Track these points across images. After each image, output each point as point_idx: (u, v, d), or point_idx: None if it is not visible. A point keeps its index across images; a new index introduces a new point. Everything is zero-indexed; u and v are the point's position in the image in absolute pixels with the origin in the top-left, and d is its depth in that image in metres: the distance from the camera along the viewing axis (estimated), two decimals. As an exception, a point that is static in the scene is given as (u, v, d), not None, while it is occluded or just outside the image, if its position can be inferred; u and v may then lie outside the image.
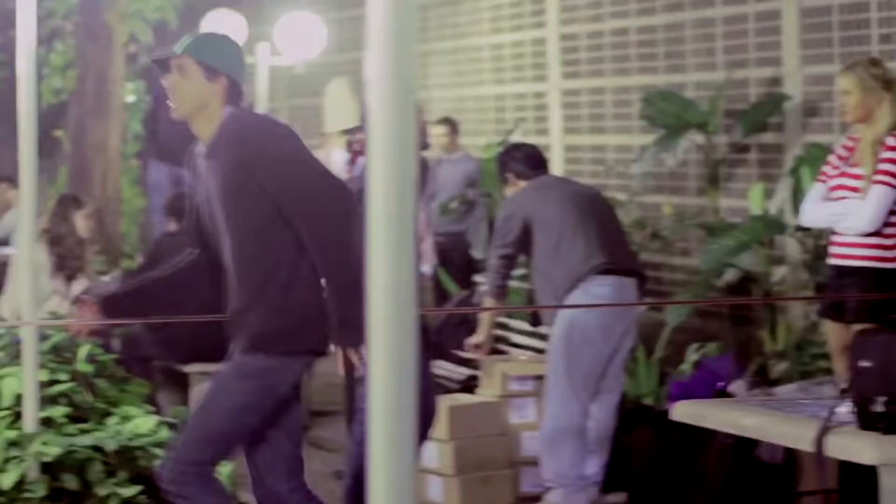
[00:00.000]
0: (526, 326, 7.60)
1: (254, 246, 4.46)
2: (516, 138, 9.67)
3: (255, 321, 4.46)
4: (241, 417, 4.52)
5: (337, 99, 6.70)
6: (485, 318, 6.92)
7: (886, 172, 5.52)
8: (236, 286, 4.53)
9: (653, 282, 7.99)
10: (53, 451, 5.56)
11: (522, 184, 6.69)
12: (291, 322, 4.47)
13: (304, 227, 4.39)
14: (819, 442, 4.88)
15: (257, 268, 4.47)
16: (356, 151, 6.74)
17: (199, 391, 8.17)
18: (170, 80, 4.59)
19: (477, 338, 6.90)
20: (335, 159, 7.07)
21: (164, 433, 5.98)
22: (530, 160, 6.79)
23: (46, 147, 13.10)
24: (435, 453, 6.71)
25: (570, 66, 10.25)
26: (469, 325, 7.26)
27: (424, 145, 6.07)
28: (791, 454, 5.92)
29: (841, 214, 5.62)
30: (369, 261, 2.43)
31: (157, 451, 5.85)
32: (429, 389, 5.75)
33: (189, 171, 4.76)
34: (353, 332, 4.30)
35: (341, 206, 4.37)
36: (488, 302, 6.79)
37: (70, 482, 5.58)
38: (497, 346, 7.40)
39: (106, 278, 9.83)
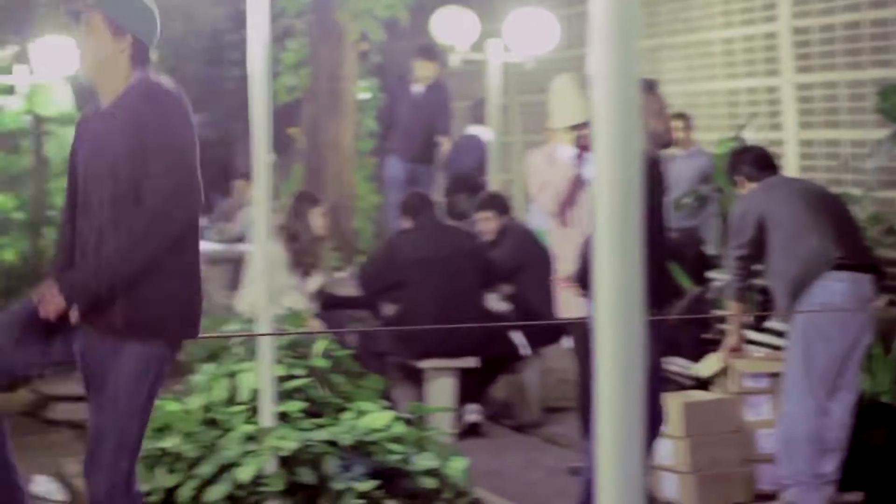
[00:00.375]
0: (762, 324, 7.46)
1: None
2: (749, 133, 9.48)
3: (126, 307, 4.33)
4: (147, 411, 4.48)
5: (563, 95, 6.65)
6: (733, 322, 6.83)
7: None
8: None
9: (889, 277, 7.72)
10: (290, 445, 5.66)
11: (752, 186, 6.60)
12: (162, 311, 4.38)
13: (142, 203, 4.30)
14: None
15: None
16: (583, 147, 6.71)
17: (434, 387, 8.26)
18: (78, 34, 4.52)
19: (730, 342, 6.82)
20: (561, 155, 7.02)
21: (399, 428, 6.04)
22: (759, 162, 6.70)
23: (281, 145, 13.41)
24: (670, 450, 6.62)
25: (802, 60, 10.00)
26: (703, 321, 7.16)
27: (668, 142, 5.98)
28: None
29: None
30: (595, 256, 2.40)
31: (393, 446, 5.91)
32: (658, 386, 5.68)
33: (77, 130, 4.63)
34: (75, 283, 4.29)
35: (170, 205, 4.27)
36: (731, 305, 6.71)
37: (306, 476, 5.66)
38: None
39: (341, 274, 10.02)
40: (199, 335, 4.55)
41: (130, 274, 4.25)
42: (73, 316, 4.29)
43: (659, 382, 5.70)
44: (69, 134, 11.05)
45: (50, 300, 4.30)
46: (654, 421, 5.54)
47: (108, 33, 4.41)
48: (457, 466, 6.03)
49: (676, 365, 7.50)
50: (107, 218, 4.30)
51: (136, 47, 4.44)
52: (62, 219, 4.66)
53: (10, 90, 10.91)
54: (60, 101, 11.16)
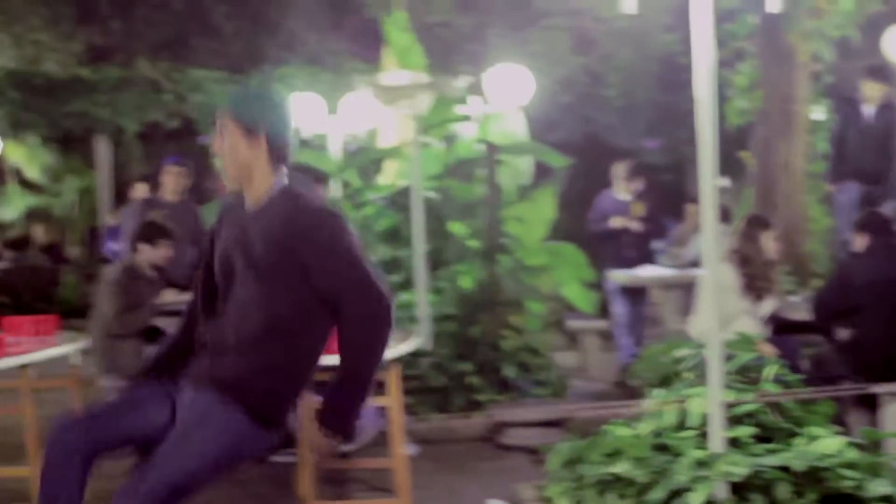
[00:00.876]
0: None
1: (280, 306, 4.37)
2: None
3: (235, 366, 4.35)
4: (210, 475, 4.32)
5: None
6: None
7: None
8: (234, 325, 4.40)
9: None
10: (741, 471, 5.55)
11: None
12: (269, 386, 4.36)
13: (339, 319, 4.34)
14: None
15: (270, 321, 4.37)
16: None
17: (889, 411, 7.90)
18: (217, 139, 4.51)
19: None
20: None
21: (852, 454, 5.81)
22: None
23: (733, 168, 13.24)
24: None
25: None
26: None
27: None
28: None
29: None
30: None
31: (846, 471, 5.70)
32: None
33: (220, 213, 4.64)
34: (339, 418, 4.30)
35: (373, 308, 4.30)
36: None
37: (757, 502, 5.54)
38: None
39: (794, 298, 9.76)
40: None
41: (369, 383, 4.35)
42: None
43: None
44: (521, 163, 11.38)
45: (325, 446, 4.34)
46: None
47: (242, 136, 4.47)
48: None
49: None
50: (253, 300, 4.38)
51: (272, 147, 4.47)
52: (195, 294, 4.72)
53: (465, 119, 11.30)
54: (512, 130, 11.47)
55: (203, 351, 4.47)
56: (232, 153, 4.46)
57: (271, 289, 4.35)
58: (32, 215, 24.00)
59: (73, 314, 18.01)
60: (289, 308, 4.36)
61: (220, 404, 4.29)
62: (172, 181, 10.23)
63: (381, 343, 4.34)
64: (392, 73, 13.23)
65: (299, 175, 4.71)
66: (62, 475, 4.22)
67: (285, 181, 4.50)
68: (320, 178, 9.93)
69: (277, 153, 4.47)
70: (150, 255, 9.00)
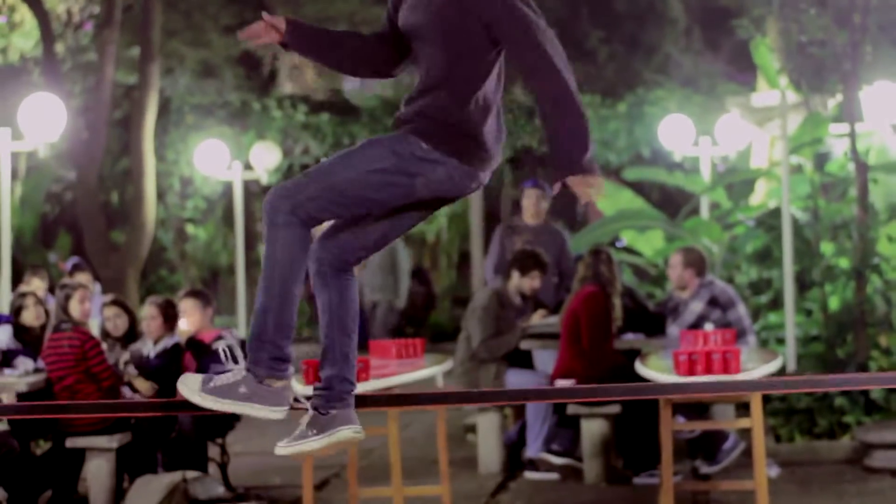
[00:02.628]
0: None
1: (461, 59, 4.24)
2: None
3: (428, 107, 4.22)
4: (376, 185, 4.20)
5: None
6: None
7: None
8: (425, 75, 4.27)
9: None
10: None
11: None
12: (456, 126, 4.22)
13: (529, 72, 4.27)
14: None
15: (454, 70, 4.24)
16: None
17: None
18: None
19: None
20: None
21: None
22: None
23: None
24: None
25: None
26: None
27: None
28: None
29: None
30: None
31: None
32: None
33: None
34: (566, 160, 4.13)
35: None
36: None
37: None
38: None
39: None
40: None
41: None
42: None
43: None
44: (894, 181, 11.04)
45: (586, 181, 4.18)
46: None
47: None
48: None
49: None
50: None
51: None
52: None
53: (836, 138, 11.09)
54: (886, 148, 11.17)
55: None
56: None
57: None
58: (403, 241, 24.86)
59: (444, 338, 18.64)
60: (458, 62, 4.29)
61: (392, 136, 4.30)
62: (531, 205, 10.37)
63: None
64: (763, 94, 13.11)
65: None
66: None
67: None
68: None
69: None
70: (520, 283, 9.23)
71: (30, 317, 8.60)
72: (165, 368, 8.36)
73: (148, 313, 8.57)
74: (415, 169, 4.21)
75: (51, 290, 11.48)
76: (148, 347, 8.52)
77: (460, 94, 4.26)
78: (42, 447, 8.74)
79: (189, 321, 8.57)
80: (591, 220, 15.20)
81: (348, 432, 4.16)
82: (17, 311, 8.64)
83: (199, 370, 8.28)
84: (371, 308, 16.63)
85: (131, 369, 8.37)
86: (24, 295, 8.82)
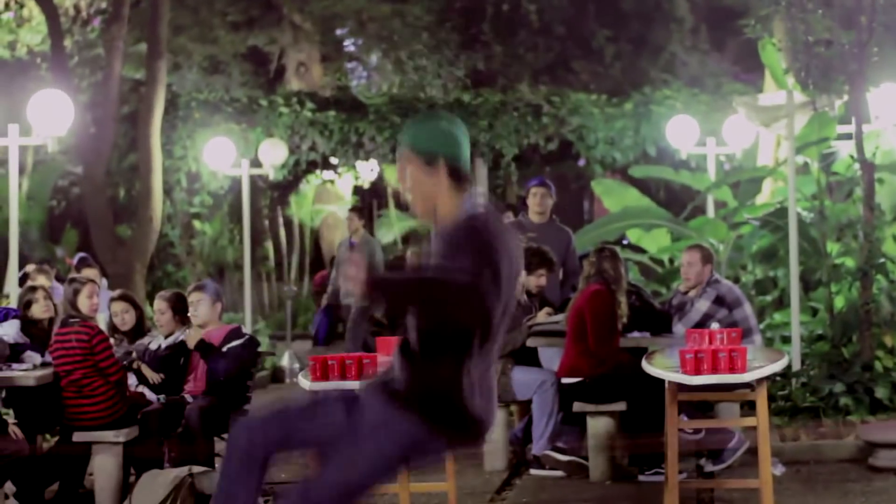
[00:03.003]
0: None
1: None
2: None
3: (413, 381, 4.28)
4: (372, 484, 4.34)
5: None
6: None
7: None
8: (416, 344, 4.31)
9: None
10: None
11: None
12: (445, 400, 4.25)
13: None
14: None
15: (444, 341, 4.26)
16: None
17: None
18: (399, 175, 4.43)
19: None
20: None
21: None
22: None
23: None
24: None
25: None
26: None
27: None
28: None
29: None
30: None
31: None
32: None
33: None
34: (385, 288, 4.16)
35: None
36: None
37: None
38: None
39: None
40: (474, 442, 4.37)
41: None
42: None
43: None
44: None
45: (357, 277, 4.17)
46: None
47: (421, 165, 4.41)
48: None
49: None
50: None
51: (452, 171, 4.40)
52: None
53: (842, 138, 11.10)
54: (893, 149, 11.18)
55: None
56: (415, 186, 4.45)
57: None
58: (409, 238, 24.89)
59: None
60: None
61: (392, 410, 4.30)
62: (536, 202, 10.40)
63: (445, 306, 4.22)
64: (769, 94, 13.12)
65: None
66: (243, 477, 4.40)
67: (475, 207, 4.40)
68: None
69: (458, 178, 4.42)
70: (526, 281, 9.24)
71: (38, 310, 8.63)
72: (173, 359, 8.41)
73: (157, 307, 8.61)
74: None
75: (59, 280, 11.53)
76: (158, 341, 8.55)
77: None
78: (49, 441, 8.77)
79: (198, 314, 8.59)
80: (597, 218, 15.21)
81: None
82: (26, 304, 8.67)
83: (208, 370, 8.34)
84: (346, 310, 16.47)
85: (136, 355, 8.44)
86: (33, 289, 8.84)
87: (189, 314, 8.60)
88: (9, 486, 7.94)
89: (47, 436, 8.86)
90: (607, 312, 8.65)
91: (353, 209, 15.32)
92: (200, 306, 8.56)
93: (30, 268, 11.37)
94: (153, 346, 8.54)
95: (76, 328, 8.12)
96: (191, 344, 8.45)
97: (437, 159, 4.40)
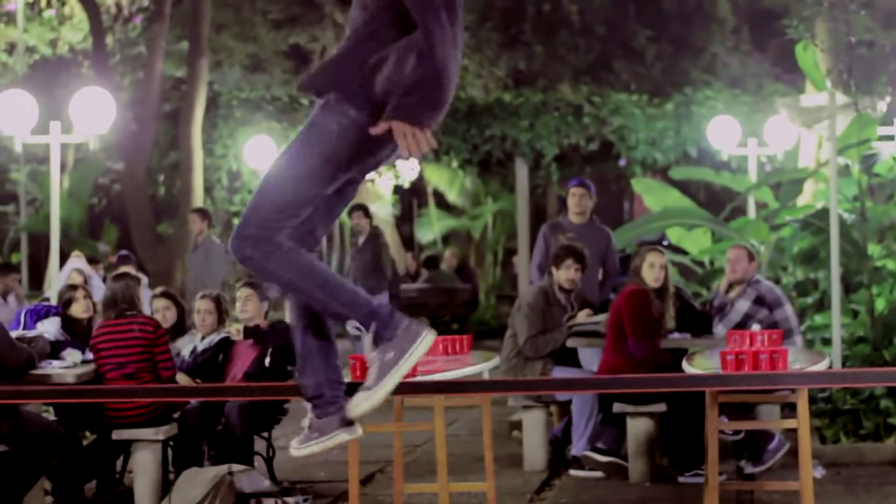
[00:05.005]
0: None
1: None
2: None
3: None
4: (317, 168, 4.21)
5: None
6: None
7: None
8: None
9: None
10: None
11: None
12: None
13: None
14: None
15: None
16: None
17: None
18: None
19: None
20: None
21: None
22: None
23: None
24: None
25: None
26: None
27: None
28: None
29: None
30: None
31: None
32: None
33: None
34: (402, 105, 4.02)
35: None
36: None
37: None
38: None
39: None
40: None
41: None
42: None
43: None
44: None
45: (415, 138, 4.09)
46: None
47: None
48: None
49: None
50: None
51: None
52: None
53: (885, 139, 11.02)
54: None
55: None
56: None
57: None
58: (449, 237, 24.88)
59: (488, 335, 18.65)
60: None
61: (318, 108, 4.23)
62: (575, 203, 10.37)
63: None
64: (811, 95, 13.05)
65: None
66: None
67: None
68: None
69: None
70: (557, 276, 9.22)
71: (79, 309, 8.66)
72: (210, 363, 8.42)
73: (205, 307, 8.60)
74: None
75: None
76: (195, 342, 8.57)
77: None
78: (88, 438, 8.81)
79: (248, 310, 8.59)
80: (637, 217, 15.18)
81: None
82: (66, 303, 8.70)
83: (259, 356, 8.34)
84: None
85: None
86: (74, 287, 8.88)
87: (238, 309, 8.61)
88: (47, 483, 7.98)
89: (87, 433, 8.91)
90: (644, 311, 8.62)
91: (359, 207, 14.17)
92: (250, 302, 8.58)
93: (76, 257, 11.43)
94: (186, 352, 8.54)
95: (141, 319, 8.13)
96: (237, 336, 8.48)
97: None
